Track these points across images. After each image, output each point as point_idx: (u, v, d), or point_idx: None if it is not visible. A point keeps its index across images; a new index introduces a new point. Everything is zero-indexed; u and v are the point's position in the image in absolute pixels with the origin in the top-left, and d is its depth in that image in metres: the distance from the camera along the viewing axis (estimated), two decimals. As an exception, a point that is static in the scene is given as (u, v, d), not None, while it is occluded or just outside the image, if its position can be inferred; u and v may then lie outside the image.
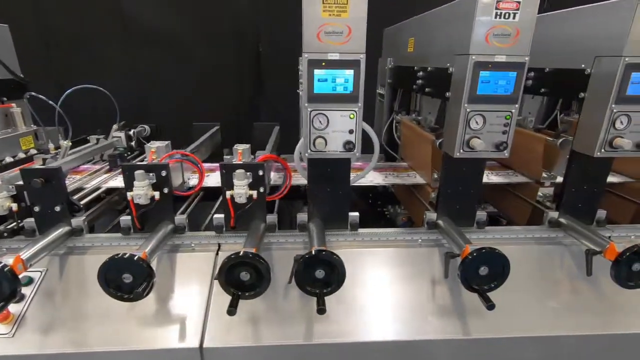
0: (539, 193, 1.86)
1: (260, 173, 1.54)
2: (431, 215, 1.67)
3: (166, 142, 1.81)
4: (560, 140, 1.74)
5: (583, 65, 1.50)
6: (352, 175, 1.64)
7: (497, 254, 1.30)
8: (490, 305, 1.27)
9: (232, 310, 1.21)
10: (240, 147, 1.73)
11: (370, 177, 1.96)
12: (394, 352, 1.41)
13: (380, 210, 2.46)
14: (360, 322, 1.42)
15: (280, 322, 1.40)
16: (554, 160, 1.85)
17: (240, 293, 1.27)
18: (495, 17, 1.29)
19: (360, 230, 1.67)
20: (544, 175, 1.84)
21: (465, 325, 1.42)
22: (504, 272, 1.33)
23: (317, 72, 1.31)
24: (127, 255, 1.22)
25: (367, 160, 1.69)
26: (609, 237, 1.64)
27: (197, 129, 2.58)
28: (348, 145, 1.41)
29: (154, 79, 3.25)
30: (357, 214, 1.66)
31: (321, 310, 1.24)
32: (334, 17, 1.26)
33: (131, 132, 2.24)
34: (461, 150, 1.45)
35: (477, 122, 1.42)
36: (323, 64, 1.30)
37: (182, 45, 3.22)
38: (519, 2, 1.27)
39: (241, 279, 1.27)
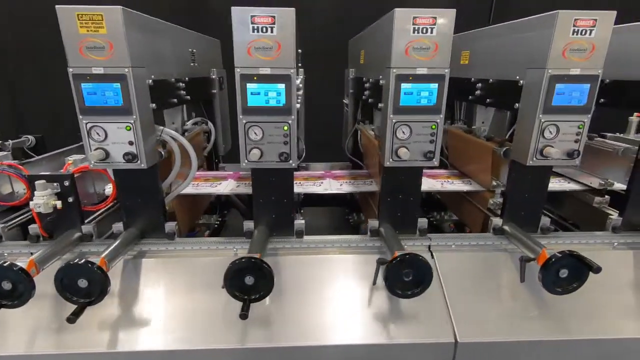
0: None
1: (67, 184, 1.57)
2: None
3: (5, 153, 1.86)
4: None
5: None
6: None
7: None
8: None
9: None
10: (71, 158, 1.76)
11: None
12: None
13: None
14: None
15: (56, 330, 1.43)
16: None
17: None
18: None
19: (177, 239, 1.70)
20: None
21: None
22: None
23: (84, 85, 1.35)
24: None
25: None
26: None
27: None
28: (127, 157, 1.44)
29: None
30: (173, 223, 1.69)
31: (70, 320, 1.25)
32: (92, 32, 1.30)
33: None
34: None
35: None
36: (88, 77, 1.34)
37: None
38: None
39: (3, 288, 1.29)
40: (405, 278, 1.36)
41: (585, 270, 1.39)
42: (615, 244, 1.75)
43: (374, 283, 1.44)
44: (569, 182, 2.13)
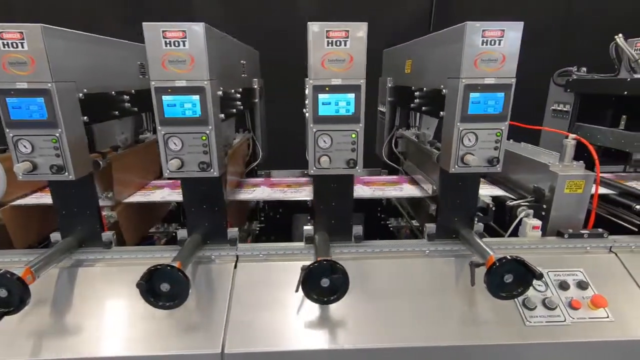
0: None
1: None
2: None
3: None
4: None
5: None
6: None
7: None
8: None
9: None
10: None
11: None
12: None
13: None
14: None
15: None
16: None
17: None
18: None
19: None
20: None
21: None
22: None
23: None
24: None
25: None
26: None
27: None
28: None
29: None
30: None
31: None
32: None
33: None
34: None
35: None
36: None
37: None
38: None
39: None
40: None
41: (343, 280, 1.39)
42: (427, 251, 1.74)
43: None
44: (416, 189, 2.13)
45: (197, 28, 1.36)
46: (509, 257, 1.38)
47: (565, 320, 1.51)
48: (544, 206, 1.87)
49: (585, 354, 1.49)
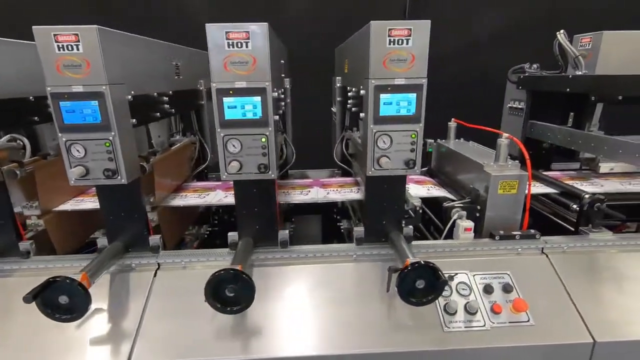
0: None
1: None
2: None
3: None
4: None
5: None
6: None
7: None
8: None
9: None
10: None
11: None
12: None
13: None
14: None
15: None
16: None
17: None
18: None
19: None
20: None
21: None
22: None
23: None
24: None
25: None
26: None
27: None
28: None
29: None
30: None
31: None
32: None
33: None
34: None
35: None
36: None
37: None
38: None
39: None
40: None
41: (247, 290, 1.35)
42: (354, 255, 1.70)
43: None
44: (356, 193, 2.09)
45: (90, 31, 1.31)
46: (422, 262, 1.35)
47: (484, 325, 1.48)
48: (479, 207, 1.83)
49: (503, 359, 1.46)
